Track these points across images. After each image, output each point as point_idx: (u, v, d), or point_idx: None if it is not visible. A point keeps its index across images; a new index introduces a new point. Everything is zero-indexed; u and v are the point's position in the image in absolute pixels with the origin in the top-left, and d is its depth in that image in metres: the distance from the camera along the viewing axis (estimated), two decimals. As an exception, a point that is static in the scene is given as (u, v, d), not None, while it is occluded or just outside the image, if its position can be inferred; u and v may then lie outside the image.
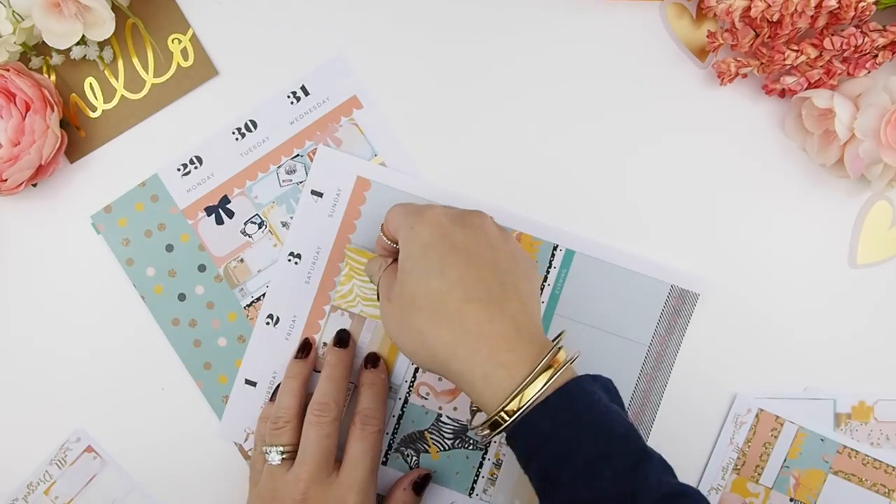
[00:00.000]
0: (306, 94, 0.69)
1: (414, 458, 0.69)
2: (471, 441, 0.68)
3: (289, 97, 0.69)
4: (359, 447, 0.63)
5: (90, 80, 0.69)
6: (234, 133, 0.69)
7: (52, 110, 0.65)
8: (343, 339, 0.67)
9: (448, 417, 0.69)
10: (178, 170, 0.69)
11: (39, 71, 0.68)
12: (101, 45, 0.68)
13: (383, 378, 0.67)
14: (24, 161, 0.64)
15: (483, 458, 0.68)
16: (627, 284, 0.68)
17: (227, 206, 0.69)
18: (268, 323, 0.69)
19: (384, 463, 0.69)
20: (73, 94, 0.69)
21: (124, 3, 0.67)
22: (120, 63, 0.69)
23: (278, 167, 0.69)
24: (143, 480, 0.69)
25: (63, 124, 0.68)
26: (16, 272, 0.69)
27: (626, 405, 0.68)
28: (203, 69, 0.69)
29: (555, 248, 0.68)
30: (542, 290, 0.68)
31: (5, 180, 0.65)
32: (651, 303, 0.68)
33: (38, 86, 0.65)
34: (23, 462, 0.69)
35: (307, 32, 0.69)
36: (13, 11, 0.64)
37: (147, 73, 0.69)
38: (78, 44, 0.66)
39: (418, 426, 0.69)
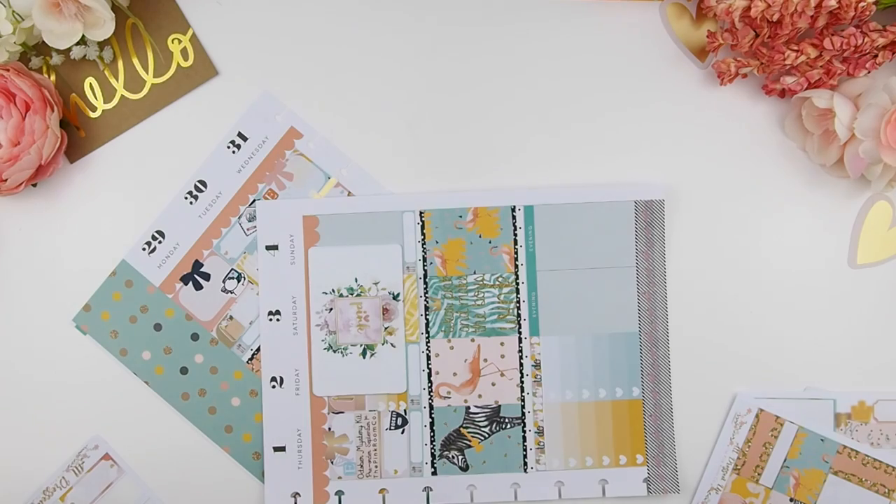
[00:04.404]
0: (244, 139, 0.69)
1: (459, 457, 0.69)
2: (506, 420, 0.69)
3: (229, 147, 0.69)
4: None
5: (90, 80, 0.69)
6: (186, 197, 0.69)
7: (52, 110, 0.65)
8: None
9: (476, 406, 0.69)
10: (143, 249, 0.69)
11: (39, 71, 0.68)
12: (101, 45, 0.68)
13: None
14: (24, 161, 0.64)
15: (524, 432, 0.69)
16: (594, 216, 0.69)
17: (201, 269, 0.69)
18: (273, 386, 0.69)
19: (433, 473, 0.69)
20: (73, 94, 0.69)
21: (124, 3, 0.67)
22: (120, 63, 0.69)
23: (238, 218, 0.69)
24: (160, 491, 0.69)
25: (63, 124, 0.68)
26: (16, 272, 0.69)
27: (637, 332, 0.68)
28: (203, 69, 0.69)
29: (513, 210, 0.69)
30: (515, 253, 0.69)
31: (5, 180, 0.65)
32: (622, 225, 0.69)
33: (38, 86, 0.65)
34: (40, 467, 0.69)
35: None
36: (13, 11, 0.64)
37: (147, 73, 0.69)
38: (78, 44, 0.66)
39: (452, 426, 0.69)
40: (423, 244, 0.69)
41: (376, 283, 0.69)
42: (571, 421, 0.69)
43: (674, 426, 0.69)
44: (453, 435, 0.69)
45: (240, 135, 0.69)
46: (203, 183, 0.69)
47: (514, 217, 0.69)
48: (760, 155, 0.69)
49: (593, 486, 0.69)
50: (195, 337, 0.69)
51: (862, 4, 0.62)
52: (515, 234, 0.69)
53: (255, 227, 0.69)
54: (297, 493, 0.69)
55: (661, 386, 0.69)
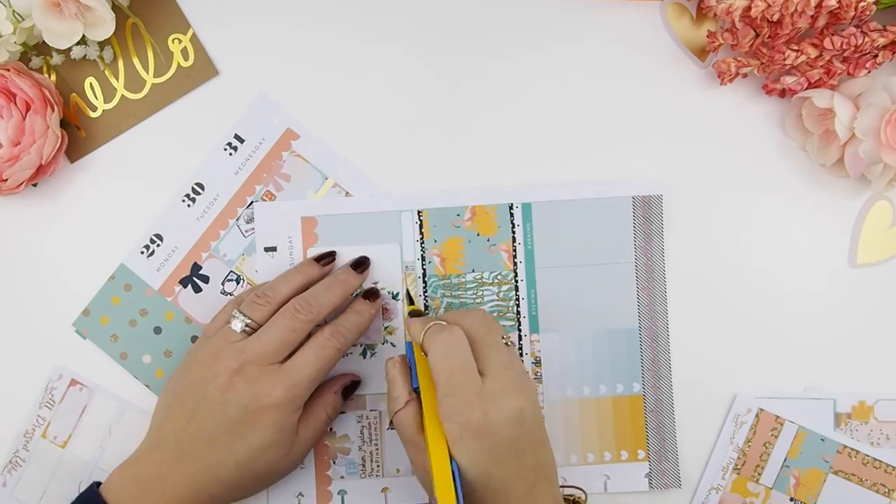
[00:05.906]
0: (241, 141, 0.69)
1: None
2: None
3: (226, 149, 0.69)
4: (313, 354, 0.62)
5: (90, 79, 0.69)
6: (184, 200, 0.69)
7: (53, 110, 0.65)
8: (362, 264, 0.67)
9: None
10: (142, 252, 0.69)
11: (40, 71, 0.68)
12: (102, 44, 0.68)
13: (372, 313, 0.66)
14: (25, 161, 0.64)
15: None
16: (591, 213, 0.69)
17: (200, 272, 0.69)
18: None
19: None
20: (74, 94, 0.69)
21: (124, 2, 0.67)
22: (120, 63, 0.69)
23: (237, 220, 0.69)
24: (134, 398, 0.69)
25: (63, 124, 0.68)
26: (16, 273, 0.69)
27: (637, 327, 0.69)
28: (203, 69, 0.69)
29: (511, 208, 0.69)
30: (514, 250, 0.69)
31: (5, 180, 0.65)
32: (620, 221, 0.69)
33: (39, 85, 0.65)
34: (13, 413, 0.69)
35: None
36: (13, 11, 0.64)
37: (147, 72, 0.69)
38: (78, 44, 0.66)
39: None
40: (422, 243, 0.69)
41: (375, 283, 0.69)
42: (573, 418, 0.69)
43: (675, 421, 0.69)
44: None
45: (236, 137, 0.69)
46: (200, 185, 0.69)
47: (511, 215, 0.69)
48: (760, 155, 0.69)
49: (595, 481, 0.69)
50: (195, 340, 0.69)
51: (862, 4, 0.62)
52: (514, 232, 0.69)
53: (253, 228, 0.69)
54: (301, 494, 0.69)
55: (661, 381, 0.69)
